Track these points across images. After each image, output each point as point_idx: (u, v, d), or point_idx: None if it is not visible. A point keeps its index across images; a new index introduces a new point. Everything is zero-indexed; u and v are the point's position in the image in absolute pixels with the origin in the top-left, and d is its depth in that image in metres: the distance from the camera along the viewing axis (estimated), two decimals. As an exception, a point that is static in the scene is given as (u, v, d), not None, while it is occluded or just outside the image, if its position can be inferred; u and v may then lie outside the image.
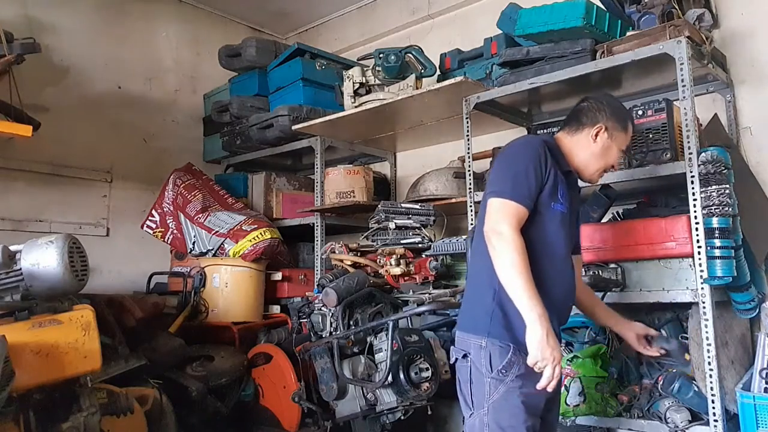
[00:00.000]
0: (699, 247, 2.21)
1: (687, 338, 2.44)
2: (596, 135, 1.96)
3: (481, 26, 3.59)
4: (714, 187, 2.18)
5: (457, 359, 1.88)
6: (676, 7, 2.50)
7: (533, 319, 1.67)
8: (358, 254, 3.18)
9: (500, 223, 1.74)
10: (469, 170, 3.00)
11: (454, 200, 3.23)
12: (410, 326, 2.77)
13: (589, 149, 1.97)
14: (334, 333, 2.70)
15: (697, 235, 2.22)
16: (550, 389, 1.71)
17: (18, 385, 1.88)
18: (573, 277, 1.96)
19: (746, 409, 2.13)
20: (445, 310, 2.83)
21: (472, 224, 2.87)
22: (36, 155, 3.56)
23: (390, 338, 2.50)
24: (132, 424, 2.46)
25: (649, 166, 2.42)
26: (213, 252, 3.54)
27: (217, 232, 3.53)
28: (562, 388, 2.50)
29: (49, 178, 3.66)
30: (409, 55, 3.37)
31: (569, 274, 1.93)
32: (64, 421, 2.03)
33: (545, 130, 2.82)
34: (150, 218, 3.75)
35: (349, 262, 3.11)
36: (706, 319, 2.18)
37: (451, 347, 1.94)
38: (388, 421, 2.64)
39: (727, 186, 2.18)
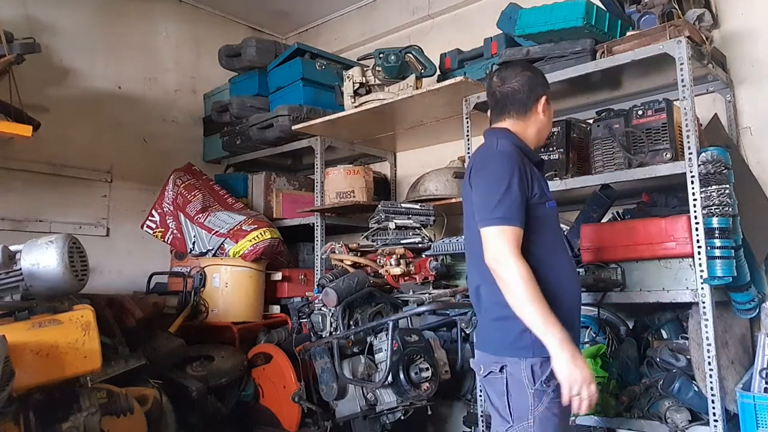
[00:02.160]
0: (699, 247, 2.21)
1: (687, 338, 2.45)
2: (543, 107, 1.95)
3: (481, 26, 3.59)
4: (714, 187, 2.18)
5: (490, 372, 1.80)
6: (676, 7, 2.50)
7: (556, 345, 1.64)
8: (358, 254, 3.19)
9: (501, 253, 1.71)
10: (469, 170, 3.00)
11: (454, 200, 3.23)
12: (410, 326, 2.77)
13: (539, 123, 1.96)
14: (334, 333, 2.70)
15: (697, 235, 2.22)
16: (585, 410, 1.67)
17: (18, 385, 1.88)
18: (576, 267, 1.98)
19: (746, 409, 2.13)
20: (445, 310, 2.83)
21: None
22: (36, 155, 3.56)
23: (390, 338, 2.49)
24: (132, 424, 2.46)
25: (649, 166, 2.42)
26: (213, 252, 3.54)
27: (217, 232, 3.53)
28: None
29: (49, 178, 3.66)
30: (409, 55, 3.37)
31: (574, 265, 1.93)
32: (64, 421, 2.03)
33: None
34: (150, 218, 3.75)
35: (349, 262, 3.11)
36: (706, 319, 2.18)
37: (471, 360, 1.90)
38: (388, 421, 2.64)
39: (727, 186, 2.18)
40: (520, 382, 1.73)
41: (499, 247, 1.72)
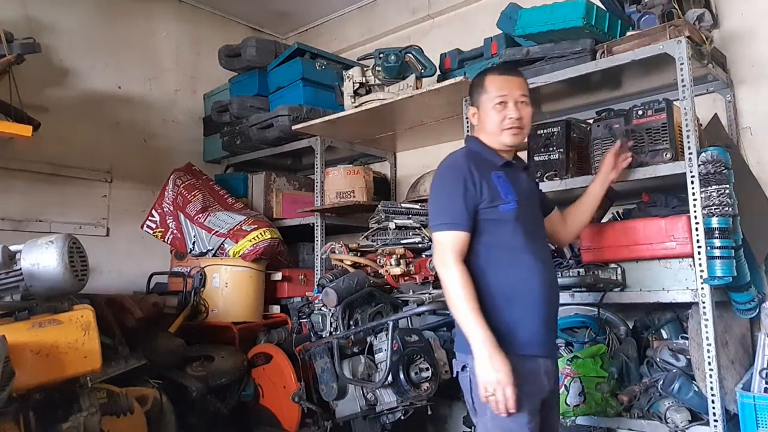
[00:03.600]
0: (699, 247, 2.21)
1: (687, 338, 2.44)
2: (472, 113, 2.05)
3: (481, 26, 3.59)
4: (714, 187, 2.18)
5: (458, 372, 1.90)
6: (676, 7, 2.50)
7: (475, 346, 1.73)
8: (358, 254, 3.18)
9: (442, 257, 1.83)
10: (469, 170, 3.00)
11: (454, 200, 3.22)
12: (410, 326, 2.77)
13: (479, 128, 2.04)
14: (334, 333, 2.70)
15: (697, 235, 2.22)
16: (503, 412, 1.70)
17: (18, 385, 1.88)
18: (549, 261, 1.99)
19: (746, 409, 2.13)
20: (444, 310, 2.83)
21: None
22: (36, 155, 3.56)
23: (390, 338, 2.49)
24: (132, 424, 2.46)
25: (649, 166, 2.42)
26: (213, 252, 3.54)
27: (217, 232, 3.53)
28: (562, 389, 2.50)
29: (49, 178, 3.66)
30: (409, 55, 3.37)
31: (549, 262, 1.95)
32: (64, 421, 2.03)
33: (545, 130, 2.82)
34: (150, 218, 3.75)
35: (349, 262, 3.11)
36: (706, 319, 2.18)
37: (453, 360, 1.95)
38: (388, 421, 2.63)
39: (727, 186, 2.18)
40: (477, 379, 1.79)
41: (440, 252, 1.85)
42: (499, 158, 1.98)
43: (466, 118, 3.02)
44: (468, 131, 3.02)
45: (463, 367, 1.84)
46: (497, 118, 1.96)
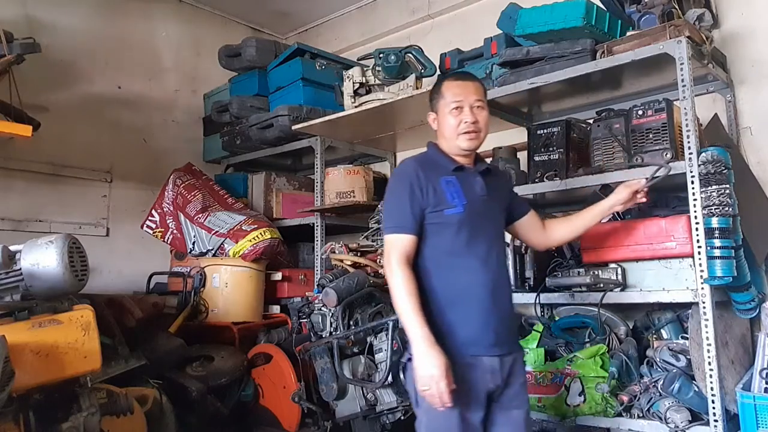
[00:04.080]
0: (699, 247, 2.21)
1: (687, 338, 2.44)
2: (433, 120, 2.08)
3: (481, 26, 3.58)
4: (714, 187, 2.18)
5: (405, 363, 1.97)
6: (676, 7, 2.50)
7: (413, 343, 1.81)
8: (358, 254, 3.18)
9: (388, 259, 1.91)
10: (469, 170, 3.00)
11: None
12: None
13: (438, 134, 2.07)
14: (334, 333, 2.69)
15: (697, 235, 2.22)
16: (437, 405, 1.76)
17: (18, 385, 1.87)
18: (500, 265, 2.01)
19: (746, 409, 2.13)
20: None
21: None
22: (36, 155, 3.56)
23: (390, 338, 2.49)
24: (132, 424, 2.46)
25: (649, 166, 2.42)
26: (213, 252, 3.54)
27: (217, 232, 3.53)
28: (562, 389, 2.50)
29: (49, 178, 3.66)
30: (409, 55, 3.37)
31: (494, 264, 1.97)
32: (64, 421, 2.03)
33: (545, 130, 2.82)
34: (150, 218, 3.75)
35: (349, 262, 3.11)
36: (706, 319, 2.18)
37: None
38: (388, 421, 2.63)
39: (727, 186, 2.18)
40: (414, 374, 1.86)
41: (387, 254, 1.92)
42: (451, 163, 2.02)
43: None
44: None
45: (409, 359, 1.90)
46: (454, 122, 2.00)
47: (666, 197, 2.58)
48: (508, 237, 2.54)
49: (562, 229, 2.27)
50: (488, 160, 3.13)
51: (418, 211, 1.92)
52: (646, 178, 2.25)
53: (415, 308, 1.83)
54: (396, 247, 1.91)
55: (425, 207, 1.92)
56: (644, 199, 2.24)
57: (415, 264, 1.92)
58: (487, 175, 2.07)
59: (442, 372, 1.75)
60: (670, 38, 2.36)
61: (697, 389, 2.25)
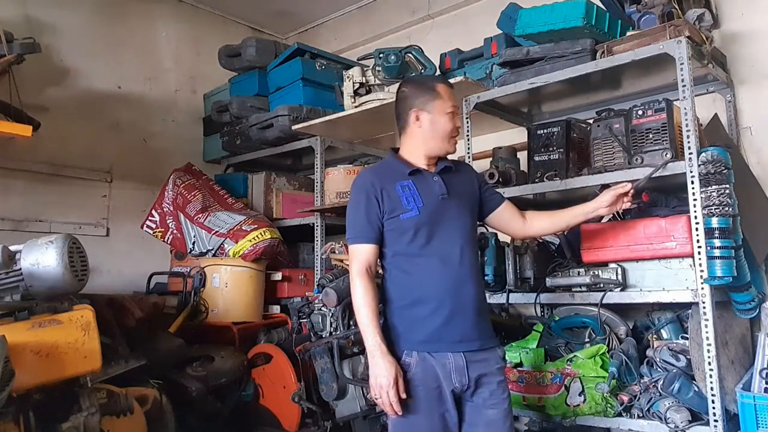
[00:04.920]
0: (699, 247, 2.21)
1: (687, 338, 2.44)
2: (417, 118, 2.04)
3: (481, 26, 3.58)
4: (714, 187, 2.18)
5: None
6: (676, 7, 2.50)
7: (369, 349, 1.88)
8: (358, 254, 3.18)
9: (351, 268, 1.98)
10: (469, 170, 3.00)
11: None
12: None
13: (422, 134, 2.04)
14: (334, 333, 2.69)
15: (697, 235, 2.22)
16: (390, 413, 1.85)
17: (18, 385, 1.88)
18: (464, 262, 1.99)
19: (746, 409, 2.13)
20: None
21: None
22: (36, 155, 3.56)
23: (390, 338, 2.49)
24: (132, 424, 2.46)
25: (649, 167, 2.42)
26: (213, 252, 3.54)
27: (217, 232, 3.53)
28: (562, 389, 2.50)
29: (49, 178, 3.66)
30: (409, 55, 3.37)
31: (455, 262, 1.97)
32: (64, 421, 2.03)
33: (545, 130, 2.82)
34: (150, 218, 3.75)
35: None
36: (706, 319, 2.18)
37: None
38: (388, 422, 2.63)
39: (727, 186, 2.18)
40: None
41: (350, 264, 2.00)
42: (407, 167, 2.04)
43: (467, 117, 2.99)
44: (468, 131, 3.01)
45: None
46: (450, 126, 2.04)
47: (666, 197, 2.58)
48: (507, 238, 2.55)
49: (544, 222, 2.29)
50: (488, 160, 3.15)
51: (375, 219, 1.97)
52: (632, 182, 2.24)
53: (371, 318, 1.89)
54: (356, 257, 1.98)
55: (381, 215, 1.97)
56: (629, 204, 2.23)
57: (381, 268, 2.02)
58: (447, 173, 2.08)
59: (391, 381, 1.81)
60: (670, 38, 2.36)
61: (697, 389, 2.25)
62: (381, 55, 3.35)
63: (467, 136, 3.02)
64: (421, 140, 2.05)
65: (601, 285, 2.48)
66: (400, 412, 1.83)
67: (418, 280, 1.96)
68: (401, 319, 1.95)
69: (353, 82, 3.41)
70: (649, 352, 2.55)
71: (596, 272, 2.49)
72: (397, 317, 1.96)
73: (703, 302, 2.19)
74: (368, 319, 1.90)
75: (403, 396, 1.83)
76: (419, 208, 1.97)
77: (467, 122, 3.02)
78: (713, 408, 2.14)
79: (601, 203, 2.20)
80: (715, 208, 2.17)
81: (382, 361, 1.84)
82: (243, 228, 3.50)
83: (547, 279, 2.65)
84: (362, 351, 2.71)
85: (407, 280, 1.97)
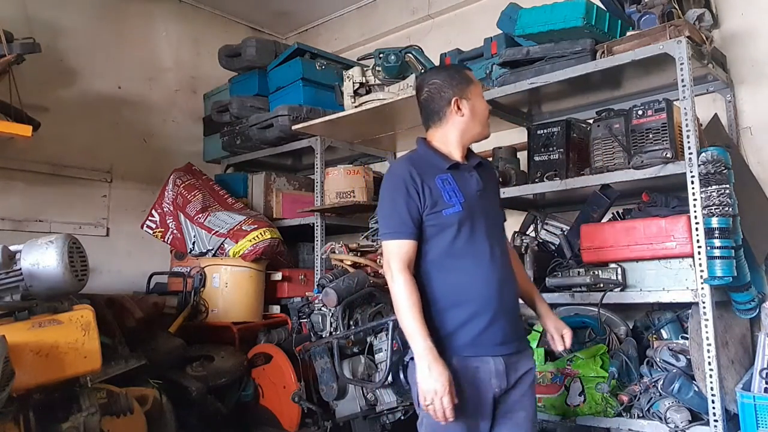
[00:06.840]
0: (699, 247, 2.21)
1: (687, 338, 2.44)
2: (458, 108, 1.96)
3: (481, 26, 3.59)
4: (714, 187, 2.18)
5: (407, 362, 1.93)
6: (676, 7, 2.50)
7: (417, 355, 1.74)
8: (358, 254, 3.18)
9: (388, 266, 1.85)
10: (469, 170, 3.00)
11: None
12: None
13: (464, 122, 1.97)
14: (334, 333, 2.69)
15: (697, 235, 2.22)
16: (442, 421, 1.70)
17: (18, 385, 1.87)
18: (503, 261, 1.94)
19: (746, 409, 2.13)
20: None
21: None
22: (36, 155, 3.56)
23: (390, 338, 2.49)
24: (132, 424, 2.46)
25: (649, 167, 2.42)
26: (213, 252, 3.54)
27: (217, 232, 3.53)
28: (562, 389, 2.50)
29: (49, 178, 3.66)
30: (409, 55, 3.36)
31: (498, 260, 1.91)
32: (64, 421, 2.03)
33: (545, 130, 2.82)
34: (150, 218, 3.75)
35: (349, 262, 3.11)
36: (706, 319, 2.18)
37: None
38: (388, 421, 2.63)
39: (727, 186, 2.18)
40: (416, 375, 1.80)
41: (387, 261, 1.86)
42: (445, 161, 1.96)
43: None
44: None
45: (411, 358, 1.84)
46: (486, 109, 2.02)
47: (666, 197, 2.58)
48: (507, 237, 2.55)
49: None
50: (488, 161, 3.15)
51: (415, 214, 1.85)
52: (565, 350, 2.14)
53: (418, 319, 1.77)
54: (396, 254, 1.84)
55: (422, 209, 1.86)
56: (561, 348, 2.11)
57: (417, 267, 1.87)
58: (480, 168, 2.03)
59: (446, 387, 1.69)
60: (670, 38, 2.37)
61: (697, 389, 2.25)
62: (381, 55, 3.35)
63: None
64: (463, 129, 1.97)
65: (601, 285, 2.48)
66: (452, 419, 1.71)
67: (461, 279, 1.85)
68: (442, 322, 1.83)
69: (353, 82, 3.41)
70: (649, 352, 2.55)
71: (596, 272, 2.49)
72: (438, 320, 1.82)
73: (703, 302, 2.19)
74: (415, 320, 1.76)
75: (456, 401, 1.71)
76: (462, 203, 1.87)
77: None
78: (713, 408, 2.15)
79: (548, 329, 2.12)
80: (715, 208, 2.17)
81: (436, 366, 1.71)
82: (243, 228, 3.50)
83: (547, 279, 2.65)
84: (362, 351, 2.72)
85: (450, 279, 1.85)
